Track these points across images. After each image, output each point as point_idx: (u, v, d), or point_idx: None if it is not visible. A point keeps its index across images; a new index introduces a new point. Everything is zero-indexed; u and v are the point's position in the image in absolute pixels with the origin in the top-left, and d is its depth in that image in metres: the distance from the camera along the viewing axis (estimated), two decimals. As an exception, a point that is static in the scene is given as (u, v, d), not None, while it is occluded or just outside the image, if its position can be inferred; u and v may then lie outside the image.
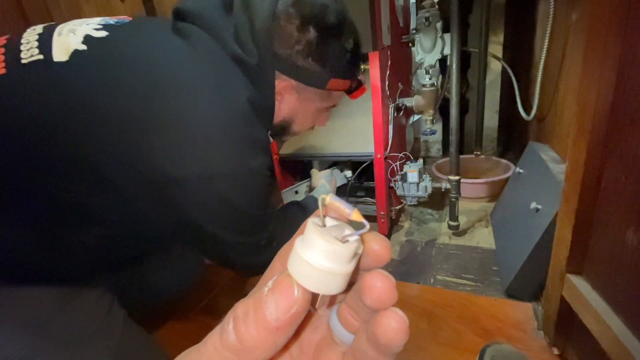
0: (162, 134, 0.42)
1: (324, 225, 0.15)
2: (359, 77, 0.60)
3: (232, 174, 0.45)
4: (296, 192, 1.04)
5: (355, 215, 0.15)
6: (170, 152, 0.42)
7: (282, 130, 0.61)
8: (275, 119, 0.56)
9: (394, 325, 0.14)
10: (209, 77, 0.45)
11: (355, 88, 0.60)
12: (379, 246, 0.15)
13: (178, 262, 0.76)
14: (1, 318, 0.44)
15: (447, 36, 0.91)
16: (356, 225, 0.16)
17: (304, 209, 0.71)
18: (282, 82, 0.52)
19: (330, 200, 0.15)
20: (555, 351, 0.58)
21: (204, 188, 0.44)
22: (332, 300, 0.18)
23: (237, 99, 0.47)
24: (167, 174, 0.43)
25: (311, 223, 0.15)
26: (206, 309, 0.82)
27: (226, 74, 0.47)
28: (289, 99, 0.55)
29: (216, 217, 0.48)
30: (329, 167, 1.12)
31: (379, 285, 0.14)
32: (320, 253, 0.14)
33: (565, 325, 0.55)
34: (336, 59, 0.53)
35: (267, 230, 0.54)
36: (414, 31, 0.93)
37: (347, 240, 0.15)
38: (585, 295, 0.46)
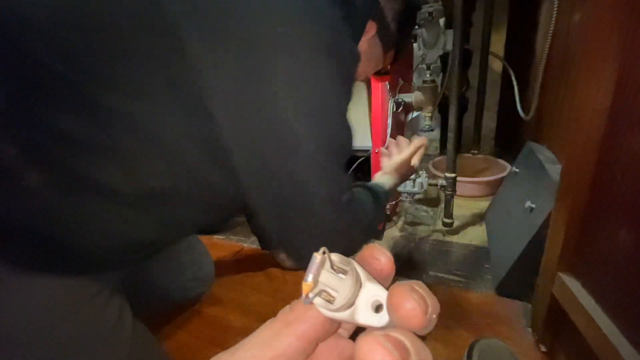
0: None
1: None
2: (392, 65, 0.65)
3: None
4: None
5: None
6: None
7: None
8: None
9: None
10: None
11: (384, 72, 0.65)
12: (385, 259, 0.17)
13: (193, 266, 0.74)
14: (10, 320, 0.39)
15: (449, 33, 0.90)
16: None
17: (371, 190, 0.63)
18: (368, 28, 0.54)
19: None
20: (543, 348, 0.58)
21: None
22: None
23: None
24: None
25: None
26: (206, 301, 0.81)
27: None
28: (362, 46, 0.54)
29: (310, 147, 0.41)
30: None
31: (409, 307, 0.15)
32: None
33: (554, 323, 0.55)
34: (405, 35, 0.61)
35: (348, 181, 0.49)
36: (417, 26, 0.92)
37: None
38: (575, 293, 0.46)
